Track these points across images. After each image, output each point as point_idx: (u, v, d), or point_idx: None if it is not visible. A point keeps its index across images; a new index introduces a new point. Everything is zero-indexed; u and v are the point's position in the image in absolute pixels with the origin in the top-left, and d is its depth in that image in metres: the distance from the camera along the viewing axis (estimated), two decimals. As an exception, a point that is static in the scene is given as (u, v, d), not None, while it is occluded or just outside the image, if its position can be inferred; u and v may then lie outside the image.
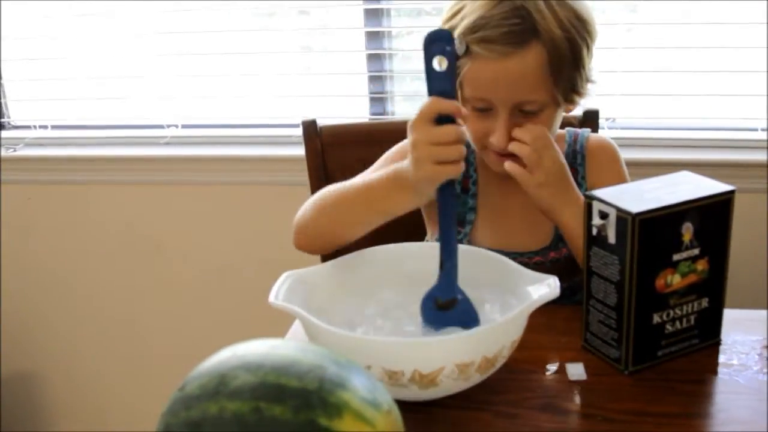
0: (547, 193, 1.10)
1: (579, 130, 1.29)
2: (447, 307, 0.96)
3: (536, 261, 1.20)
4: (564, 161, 1.13)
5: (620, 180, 1.23)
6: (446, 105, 0.92)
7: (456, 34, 1.09)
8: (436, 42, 0.90)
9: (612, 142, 1.29)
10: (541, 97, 1.11)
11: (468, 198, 1.25)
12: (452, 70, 0.90)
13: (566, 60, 1.09)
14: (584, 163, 1.26)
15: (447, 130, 0.92)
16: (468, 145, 1.25)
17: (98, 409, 2.17)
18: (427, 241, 1.29)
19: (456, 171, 0.92)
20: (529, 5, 1.07)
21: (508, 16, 1.07)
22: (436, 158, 0.91)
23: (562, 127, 1.35)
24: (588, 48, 1.13)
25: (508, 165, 1.10)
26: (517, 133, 1.10)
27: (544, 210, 1.12)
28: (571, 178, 1.13)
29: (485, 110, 1.13)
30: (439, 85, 0.91)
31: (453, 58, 0.89)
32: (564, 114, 1.22)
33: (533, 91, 1.10)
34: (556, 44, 1.08)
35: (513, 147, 1.10)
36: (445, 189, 0.93)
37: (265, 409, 0.60)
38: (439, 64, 0.90)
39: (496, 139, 1.12)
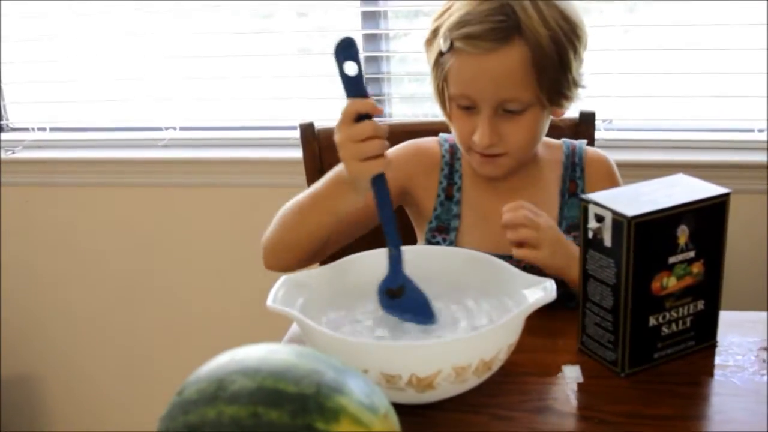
0: (556, 259, 1.09)
1: (576, 142, 1.29)
2: (397, 295, 0.99)
3: (524, 266, 1.20)
4: (552, 221, 1.12)
5: None
6: (361, 104, 0.95)
7: (442, 30, 1.12)
8: (345, 49, 0.94)
9: (608, 157, 1.29)
10: (524, 96, 1.12)
11: (452, 205, 1.25)
12: (361, 73, 0.95)
13: (550, 60, 1.10)
14: (583, 176, 1.26)
15: (363, 126, 0.96)
16: (453, 153, 1.27)
17: (97, 412, 2.17)
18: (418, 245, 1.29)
19: (379, 165, 0.96)
20: (515, 4, 1.08)
21: (493, 13, 1.08)
22: (360, 155, 0.96)
23: (560, 130, 1.36)
24: (575, 51, 1.13)
25: (516, 252, 1.09)
26: (506, 218, 1.09)
27: (555, 273, 1.08)
28: (560, 231, 1.13)
29: (469, 108, 1.14)
30: (353, 88, 0.95)
31: (359, 62, 0.94)
32: (554, 118, 1.22)
33: (516, 89, 1.11)
34: (540, 43, 1.08)
35: (512, 236, 1.09)
36: (377, 181, 0.96)
37: (263, 414, 0.60)
38: (350, 69, 0.94)
39: (479, 137, 1.13)
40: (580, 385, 0.95)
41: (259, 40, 1.96)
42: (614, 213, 0.91)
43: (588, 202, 0.95)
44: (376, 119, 0.97)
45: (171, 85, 1.98)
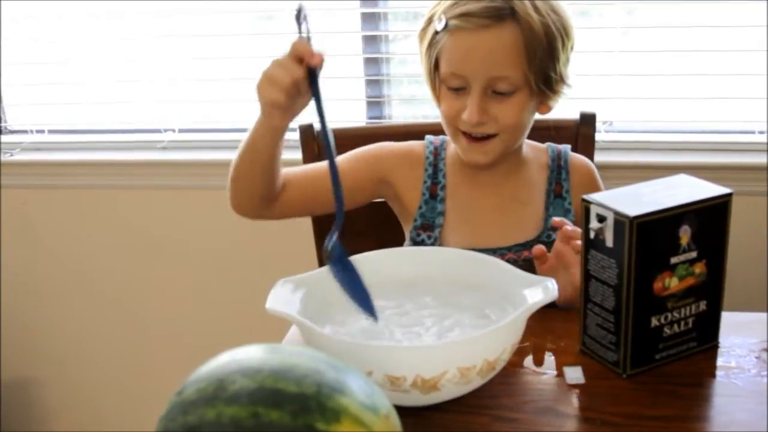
0: (568, 290, 1.08)
1: (560, 147, 1.32)
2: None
3: (508, 258, 1.20)
4: None
5: None
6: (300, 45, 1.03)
7: (438, 12, 1.17)
8: (301, 12, 1.05)
9: (592, 165, 1.33)
10: (514, 75, 1.15)
11: (437, 203, 1.28)
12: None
13: (541, 44, 1.14)
14: (568, 178, 1.29)
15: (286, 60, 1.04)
16: (436, 153, 1.29)
17: (97, 414, 2.17)
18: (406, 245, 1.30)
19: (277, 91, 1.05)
20: None
21: None
22: (268, 78, 1.06)
23: (562, 131, 1.37)
24: (563, 44, 1.17)
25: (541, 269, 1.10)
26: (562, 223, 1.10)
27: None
28: None
29: (459, 89, 1.18)
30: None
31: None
32: (540, 116, 1.25)
33: (506, 66, 1.14)
34: (532, 27, 1.13)
35: (560, 245, 1.09)
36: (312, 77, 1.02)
37: (263, 414, 0.60)
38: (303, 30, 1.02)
39: (468, 114, 1.16)
40: (581, 386, 0.94)
41: (258, 42, 1.96)
42: (616, 213, 0.91)
43: (590, 202, 0.94)
44: None
45: (170, 87, 1.98)
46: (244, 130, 1.95)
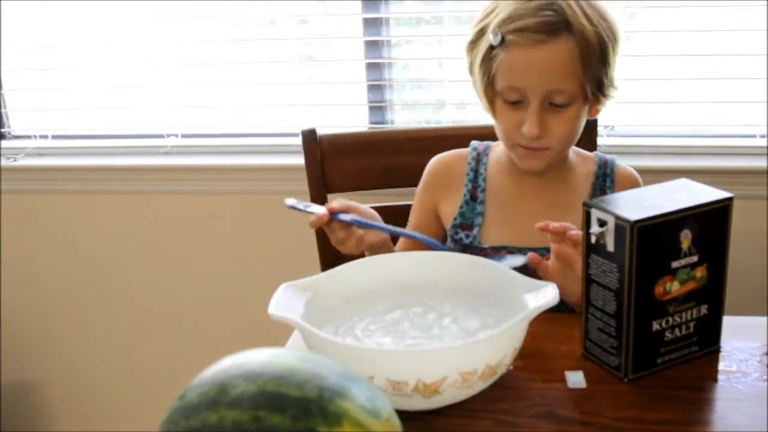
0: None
1: (608, 156, 1.33)
2: None
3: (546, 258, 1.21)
4: None
5: None
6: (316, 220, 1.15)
7: (492, 27, 1.17)
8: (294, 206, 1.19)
9: (638, 175, 1.33)
10: (571, 87, 1.16)
11: (476, 205, 1.30)
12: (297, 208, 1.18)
13: (595, 53, 1.15)
14: (613, 187, 1.29)
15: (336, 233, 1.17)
16: (478, 159, 1.31)
17: (98, 417, 2.17)
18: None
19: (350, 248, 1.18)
20: (561, 2, 1.15)
21: (542, 8, 1.15)
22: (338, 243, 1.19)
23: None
24: (614, 49, 1.19)
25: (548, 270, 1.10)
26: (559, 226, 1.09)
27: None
28: None
29: (516, 103, 1.19)
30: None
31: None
32: (588, 118, 1.26)
33: (564, 79, 1.16)
34: (586, 37, 1.14)
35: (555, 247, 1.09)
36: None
37: (265, 418, 0.60)
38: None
39: (528, 128, 1.17)
40: (583, 390, 0.94)
41: (261, 48, 1.96)
42: (617, 217, 0.91)
43: (590, 206, 0.95)
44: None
45: (173, 92, 1.98)
46: (246, 135, 1.98)
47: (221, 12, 1.90)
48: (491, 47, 1.18)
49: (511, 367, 0.97)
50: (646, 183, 1.01)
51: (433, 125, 1.92)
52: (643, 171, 1.69)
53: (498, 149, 1.33)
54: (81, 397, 2.17)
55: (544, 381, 0.97)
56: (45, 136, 2.06)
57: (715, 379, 0.96)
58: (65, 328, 2.12)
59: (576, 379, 0.96)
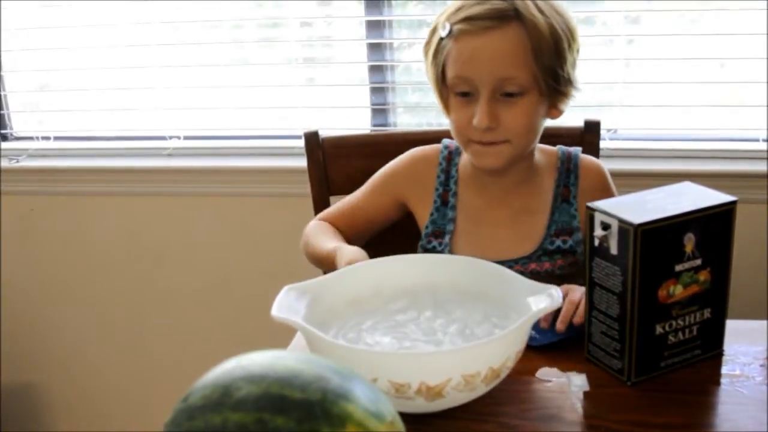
0: None
1: (571, 149, 1.30)
2: None
3: (516, 270, 1.20)
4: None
5: None
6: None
7: (441, 21, 1.18)
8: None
9: (603, 166, 1.30)
10: (521, 75, 1.14)
11: (447, 210, 1.28)
12: None
13: (547, 43, 1.14)
14: (577, 182, 1.27)
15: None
16: (449, 159, 1.30)
17: (99, 420, 2.17)
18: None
19: None
20: None
21: None
22: None
23: (565, 140, 1.36)
24: (569, 45, 1.17)
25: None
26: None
27: None
28: None
29: (467, 95, 1.17)
30: None
31: None
32: (551, 120, 1.24)
33: (513, 66, 1.14)
34: (537, 27, 1.13)
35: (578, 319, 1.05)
36: None
37: (269, 421, 0.60)
38: None
39: (477, 119, 1.15)
40: (586, 393, 0.94)
41: (263, 50, 1.96)
42: (620, 221, 0.91)
43: (594, 210, 0.94)
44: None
45: (175, 94, 1.99)
46: (248, 138, 1.98)
47: (224, 14, 1.90)
48: (441, 39, 1.18)
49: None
50: (649, 187, 1.00)
51: (435, 128, 1.92)
52: (646, 174, 1.70)
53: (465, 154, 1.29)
54: (81, 399, 2.17)
55: (547, 384, 0.96)
56: (47, 138, 2.06)
57: (718, 383, 0.96)
58: (66, 330, 2.12)
59: (579, 382, 0.96)
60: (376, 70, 1.88)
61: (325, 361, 0.67)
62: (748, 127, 1.74)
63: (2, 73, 2.04)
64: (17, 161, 2.01)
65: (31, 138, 2.08)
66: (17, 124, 2.11)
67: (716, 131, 1.78)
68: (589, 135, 1.42)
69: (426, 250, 1.28)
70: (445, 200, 1.29)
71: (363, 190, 1.35)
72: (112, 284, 2.06)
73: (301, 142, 1.47)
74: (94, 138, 2.06)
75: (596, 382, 0.96)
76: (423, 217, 1.30)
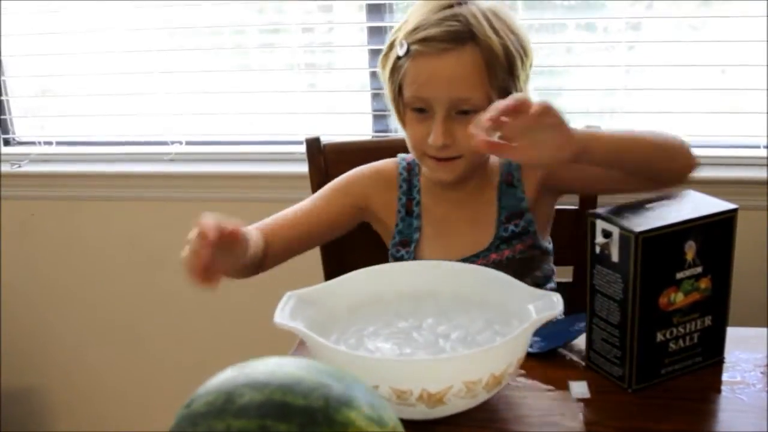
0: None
1: None
2: None
3: (480, 263, 1.21)
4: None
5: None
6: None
7: (399, 38, 1.19)
8: None
9: None
10: (476, 96, 1.16)
11: (413, 219, 1.30)
12: None
13: (501, 64, 1.16)
14: (519, 166, 1.27)
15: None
16: (409, 169, 1.32)
17: (99, 424, 2.17)
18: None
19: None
20: (467, 13, 1.16)
21: (447, 18, 1.16)
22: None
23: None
24: (523, 63, 1.19)
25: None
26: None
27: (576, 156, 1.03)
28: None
29: (423, 112, 1.19)
30: None
31: None
32: None
33: (469, 88, 1.16)
34: (492, 48, 1.15)
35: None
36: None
37: (271, 427, 0.60)
38: None
39: (433, 138, 1.17)
40: (587, 400, 0.94)
41: (265, 56, 1.97)
42: (622, 228, 0.91)
43: (595, 217, 0.95)
44: None
45: (177, 99, 1.99)
46: (251, 143, 1.98)
47: (226, 20, 1.91)
48: (398, 58, 1.19)
49: (515, 377, 0.97)
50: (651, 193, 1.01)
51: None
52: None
53: None
54: (81, 403, 2.17)
55: (548, 391, 0.97)
56: (49, 143, 2.07)
57: (718, 390, 0.96)
58: (67, 335, 2.12)
59: (580, 389, 0.96)
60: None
61: (328, 368, 0.67)
62: (748, 134, 1.74)
63: (5, 78, 2.04)
64: (20, 166, 2.02)
65: (33, 143, 2.08)
66: (19, 129, 2.11)
67: (717, 138, 1.78)
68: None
69: (396, 259, 1.29)
70: (409, 210, 1.30)
71: (316, 196, 1.33)
72: (113, 289, 2.06)
73: (303, 148, 1.47)
74: (96, 143, 2.07)
75: (597, 389, 0.96)
76: (387, 224, 1.32)
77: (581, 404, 0.94)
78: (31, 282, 2.09)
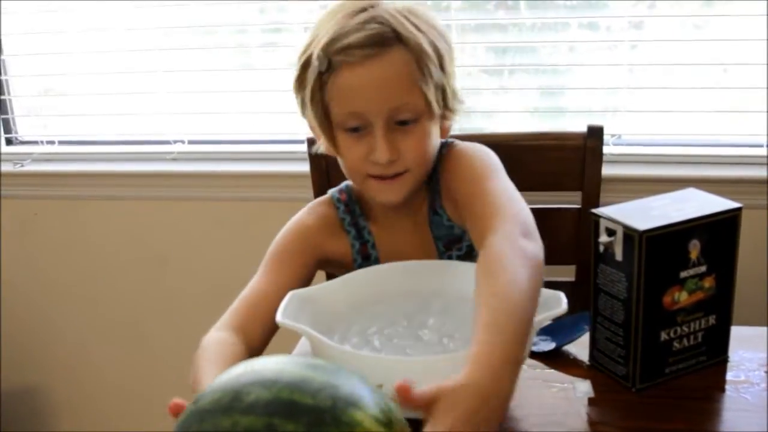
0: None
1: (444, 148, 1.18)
2: None
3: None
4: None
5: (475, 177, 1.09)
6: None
7: (316, 53, 1.06)
8: None
9: (468, 148, 1.17)
10: (413, 100, 1.06)
11: (371, 262, 1.19)
12: None
13: (432, 61, 1.06)
14: (439, 189, 1.16)
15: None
16: (350, 211, 1.19)
17: (101, 423, 2.17)
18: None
19: None
20: (384, 14, 1.05)
21: (366, 21, 1.05)
22: None
23: (568, 146, 1.37)
24: (450, 58, 1.11)
25: None
26: None
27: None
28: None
29: (359, 130, 1.08)
30: None
31: None
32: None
33: (405, 92, 1.05)
34: (420, 46, 1.05)
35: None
36: None
37: (279, 426, 0.60)
38: None
39: (378, 154, 1.06)
40: (591, 399, 0.95)
41: (267, 54, 1.97)
42: (625, 227, 0.91)
43: (599, 216, 0.95)
44: None
45: (179, 98, 1.99)
46: (253, 142, 1.98)
47: (227, 19, 1.91)
48: (320, 74, 1.06)
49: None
50: (653, 192, 1.00)
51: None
52: (650, 180, 1.70)
53: (365, 196, 1.18)
54: (83, 403, 2.17)
55: (551, 390, 0.97)
56: (52, 142, 2.07)
57: (722, 389, 0.97)
58: (69, 334, 2.12)
59: (584, 388, 0.96)
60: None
61: (336, 367, 0.67)
62: (750, 133, 1.74)
63: (7, 78, 2.04)
64: (22, 165, 2.02)
65: (35, 142, 2.08)
66: (22, 128, 2.11)
67: (719, 137, 1.78)
68: (592, 140, 1.43)
69: None
70: (366, 255, 1.19)
71: (267, 269, 1.19)
72: (116, 288, 2.06)
73: (305, 147, 1.47)
74: (98, 142, 2.07)
75: (601, 388, 0.96)
76: (347, 267, 1.19)
77: (585, 403, 0.94)
78: (34, 281, 2.10)
